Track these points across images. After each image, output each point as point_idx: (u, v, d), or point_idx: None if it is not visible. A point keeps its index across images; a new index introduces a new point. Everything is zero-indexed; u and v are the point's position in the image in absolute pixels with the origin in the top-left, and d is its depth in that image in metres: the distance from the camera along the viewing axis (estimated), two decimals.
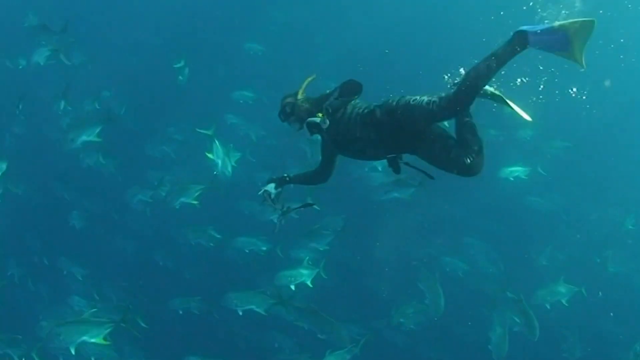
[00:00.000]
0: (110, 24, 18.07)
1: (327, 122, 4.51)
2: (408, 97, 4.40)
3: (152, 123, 15.19)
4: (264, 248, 11.39)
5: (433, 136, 4.40)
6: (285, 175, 5.17)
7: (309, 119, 4.56)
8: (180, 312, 11.17)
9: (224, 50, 17.91)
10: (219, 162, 9.94)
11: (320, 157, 5.05)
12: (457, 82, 4.23)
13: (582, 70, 3.95)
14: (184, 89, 14.61)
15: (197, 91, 15.70)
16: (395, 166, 4.68)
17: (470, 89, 4.10)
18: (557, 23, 3.93)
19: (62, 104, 12.22)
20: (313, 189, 5.86)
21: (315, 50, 17.85)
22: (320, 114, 4.52)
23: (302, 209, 5.30)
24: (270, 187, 5.05)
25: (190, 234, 11.83)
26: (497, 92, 4.41)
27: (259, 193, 5.08)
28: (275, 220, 5.12)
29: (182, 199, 10.90)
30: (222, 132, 11.53)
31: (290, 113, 4.79)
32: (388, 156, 4.64)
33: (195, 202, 10.90)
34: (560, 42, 3.95)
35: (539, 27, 3.98)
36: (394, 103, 4.42)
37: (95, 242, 13.64)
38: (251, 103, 14.40)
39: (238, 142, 11.52)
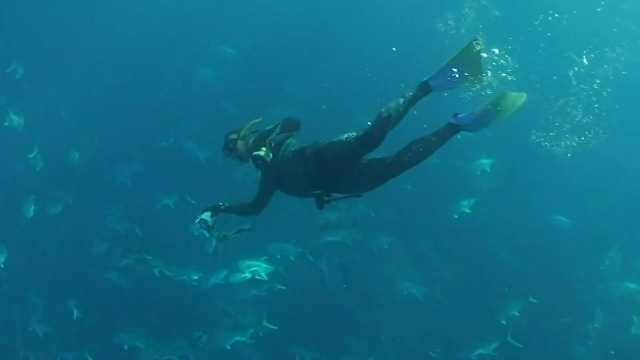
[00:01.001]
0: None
1: (271, 155, 4.88)
2: (330, 137, 4.89)
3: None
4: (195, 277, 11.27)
5: (358, 166, 4.80)
6: (220, 204, 5.41)
7: (254, 152, 4.89)
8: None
9: None
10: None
11: (257, 190, 5.29)
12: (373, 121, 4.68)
13: (485, 78, 4.63)
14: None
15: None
16: (319, 202, 5.02)
17: (382, 122, 4.58)
18: (445, 62, 4.64)
19: None
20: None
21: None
22: (264, 148, 4.87)
23: (237, 234, 5.43)
24: (206, 215, 5.29)
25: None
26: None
27: (196, 222, 5.29)
28: (212, 250, 5.39)
29: None
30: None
31: (233, 149, 5.16)
32: (315, 192, 4.98)
33: None
34: (455, 75, 4.57)
35: (435, 75, 4.68)
36: (322, 144, 4.87)
37: None
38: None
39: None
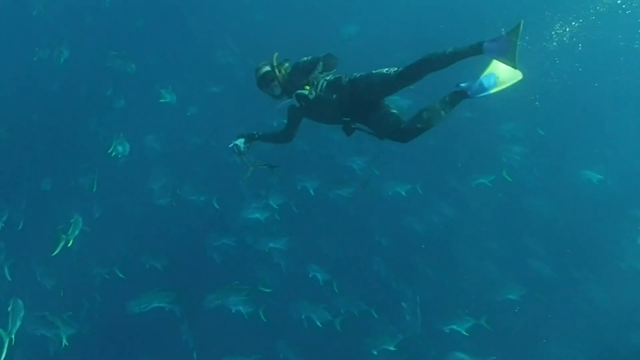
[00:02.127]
0: None
1: (314, 93, 5.10)
2: (371, 70, 5.14)
3: None
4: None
5: (384, 109, 5.15)
6: (255, 132, 5.73)
7: (298, 91, 5.09)
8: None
9: None
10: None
11: (287, 121, 5.65)
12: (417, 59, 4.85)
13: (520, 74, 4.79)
14: None
15: None
16: (348, 130, 5.34)
17: (422, 65, 4.77)
18: (503, 31, 4.54)
19: None
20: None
21: None
22: (307, 87, 5.09)
23: (266, 167, 5.67)
24: (240, 141, 5.61)
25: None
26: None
27: (229, 146, 5.59)
28: (247, 175, 5.53)
29: None
30: None
31: (271, 80, 5.29)
32: (344, 119, 5.29)
33: None
34: (504, 47, 4.50)
35: (491, 38, 4.57)
36: (358, 74, 5.19)
37: None
38: None
39: None
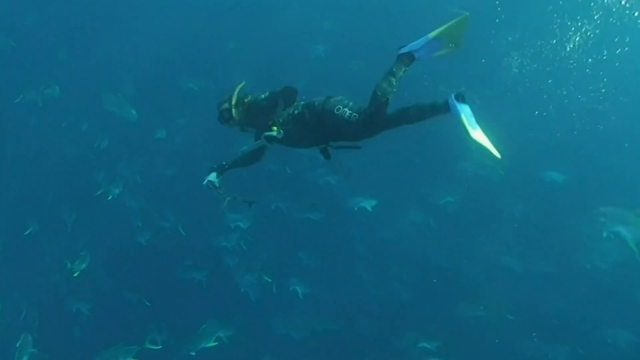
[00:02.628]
0: None
1: (281, 132, 5.05)
2: (332, 103, 5.08)
3: None
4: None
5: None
6: (224, 162, 5.67)
7: (266, 133, 5.03)
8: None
9: None
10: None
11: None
12: (369, 102, 4.86)
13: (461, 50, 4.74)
14: None
15: None
16: (325, 153, 5.32)
17: (380, 105, 4.81)
18: (431, 34, 4.72)
19: None
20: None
21: None
22: (274, 127, 5.03)
23: (243, 201, 5.65)
24: (212, 176, 5.57)
25: None
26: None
27: (203, 184, 5.54)
28: (224, 204, 5.52)
29: None
30: None
31: (229, 118, 5.33)
32: (319, 146, 5.27)
33: None
34: (437, 46, 4.74)
35: (418, 44, 4.80)
36: (320, 106, 5.11)
37: None
38: None
39: None
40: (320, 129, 5.12)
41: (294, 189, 12.65)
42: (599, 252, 11.47)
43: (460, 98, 4.53)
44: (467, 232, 12.92)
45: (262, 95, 5.30)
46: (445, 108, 4.58)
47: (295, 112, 5.18)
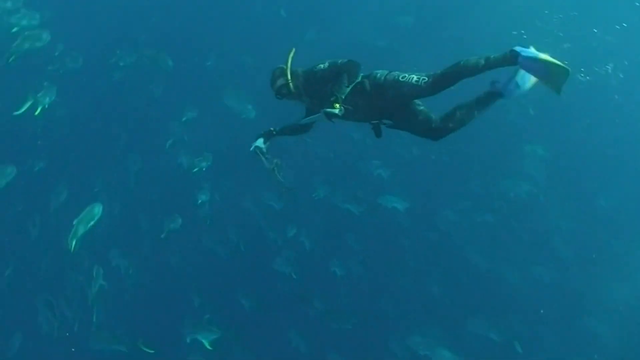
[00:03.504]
0: None
1: (343, 109, 4.79)
2: (396, 73, 4.92)
3: None
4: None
5: (412, 107, 4.96)
6: (272, 128, 5.52)
7: (327, 110, 4.75)
8: None
9: None
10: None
11: (307, 113, 5.41)
12: (445, 68, 4.68)
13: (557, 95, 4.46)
14: None
15: None
16: (377, 131, 5.19)
17: (454, 75, 4.63)
18: (541, 55, 4.41)
19: None
20: None
21: None
22: (337, 105, 4.75)
23: (284, 185, 5.48)
24: (260, 142, 5.42)
25: None
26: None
27: (251, 149, 5.41)
28: (282, 181, 5.36)
29: None
30: None
31: (287, 94, 5.14)
32: (372, 122, 5.12)
33: None
34: (541, 70, 4.44)
35: (528, 53, 4.43)
36: (382, 78, 4.94)
37: None
38: None
39: None
40: (379, 101, 4.96)
41: (342, 176, 12.64)
42: None
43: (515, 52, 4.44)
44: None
45: (322, 65, 5.06)
46: (511, 57, 4.45)
47: (355, 81, 4.96)
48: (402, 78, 4.85)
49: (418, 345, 9.85)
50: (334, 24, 15.32)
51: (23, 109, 9.58)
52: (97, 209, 8.73)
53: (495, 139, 13.54)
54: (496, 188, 12.52)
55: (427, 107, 4.99)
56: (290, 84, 5.11)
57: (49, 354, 10.21)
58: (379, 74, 4.99)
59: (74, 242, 8.36)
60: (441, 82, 4.67)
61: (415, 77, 4.79)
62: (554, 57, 4.37)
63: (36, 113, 9.67)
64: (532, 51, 4.44)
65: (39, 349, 10.09)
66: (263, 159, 5.34)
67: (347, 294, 11.92)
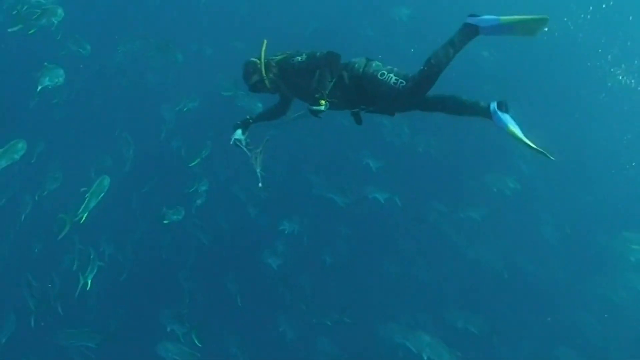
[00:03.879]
0: None
1: (328, 105, 4.67)
2: (375, 68, 4.82)
3: None
4: None
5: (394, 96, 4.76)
6: (248, 117, 5.51)
7: (314, 107, 4.63)
8: None
9: None
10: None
11: (281, 97, 5.45)
12: (420, 69, 4.60)
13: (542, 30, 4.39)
14: None
15: None
16: (357, 118, 5.10)
17: (431, 75, 4.54)
18: (503, 19, 4.38)
19: None
20: None
21: None
22: (322, 102, 4.64)
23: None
24: (238, 134, 5.41)
25: None
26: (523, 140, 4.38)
27: (231, 143, 5.40)
28: (258, 174, 5.32)
29: None
30: None
31: (262, 88, 5.10)
32: (353, 110, 5.03)
33: None
34: (506, 31, 4.44)
35: (486, 22, 4.45)
36: (360, 70, 4.84)
37: None
38: None
39: None
40: (357, 93, 4.86)
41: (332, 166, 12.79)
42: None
43: (503, 107, 4.40)
44: None
45: (299, 58, 4.92)
46: (486, 114, 4.44)
47: (336, 74, 4.83)
48: (381, 76, 4.74)
49: (394, 332, 9.95)
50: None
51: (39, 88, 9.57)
52: (106, 181, 8.70)
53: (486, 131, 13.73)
54: (484, 181, 12.60)
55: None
56: (266, 81, 5.04)
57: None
58: (356, 65, 4.88)
59: (85, 215, 8.29)
60: (422, 85, 4.58)
61: (393, 78, 4.70)
62: (520, 15, 4.36)
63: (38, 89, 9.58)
64: (489, 18, 4.46)
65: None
66: (244, 149, 5.34)
67: (335, 280, 12.09)
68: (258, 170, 5.32)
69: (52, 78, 9.56)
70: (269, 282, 11.78)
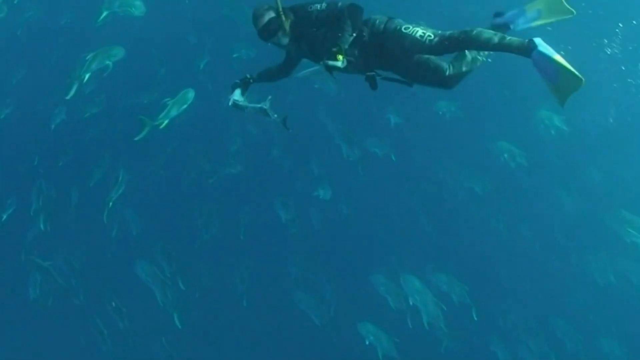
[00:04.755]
0: None
1: (346, 61, 4.36)
2: (398, 22, 4.48)
3: None
4: None
5: (418, 59, 4.46)
6: (248, 75, 5.11)
7: (329, 62, 4.30)
8: None
9: None
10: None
11: (287, 57, 5.06)
12: (452, 33, 4.27)
13: (561, 108, 4.12)
14: None
15: None
16: (372, 83, 4.69)
17: (461, 43, 4.23)
18: (557, 57, 3.93)
19: None
20: None
21: None
22: (340, 56, 4.30)
23: (280, 120, 5.03)
24: (237, 94, 5.01)
25: None
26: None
27: (229, 104, 5.00)
28: (278, 120, 4.94)
29: None
30: None
31: (277, 29, 4.52)
32: (368, 74, 4.65)
33: None
34: (552, 74, 3.96)
35: (546, 50, 3.95)
36: (382, 26, 4.49)
37: None
38: None
39: None
40: (376, 53, 4.51)
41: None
42: None
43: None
44: None
45: (318, 6, 4.45)
46: (526, 48, 4.01)
47: (358, 28, 4.45)
48: (405, 29, 4.39)
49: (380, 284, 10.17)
50: None
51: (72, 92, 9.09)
52: (190, 94, 8.59)
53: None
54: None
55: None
56: (285, 24, 4.51)
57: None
58: (377, 21, 4.53)
59: (166, 122, 8.18)
60: (446, 45, 4.27)
61: (420, 31, 4.35)
62: (569, 62, 3.90)
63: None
64: (549, 48, 3.98)
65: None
66: (246, 110, 4.95)
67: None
68: (275, 116, 4.89)
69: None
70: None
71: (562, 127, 12.18)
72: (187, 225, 11.96)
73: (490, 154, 12.43)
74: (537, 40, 3.98)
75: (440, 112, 12.18)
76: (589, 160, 13.87)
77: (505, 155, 12.11)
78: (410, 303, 9.47)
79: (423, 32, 4.33)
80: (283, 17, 4.47)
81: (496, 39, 4.09)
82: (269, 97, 4.90)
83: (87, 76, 8.65)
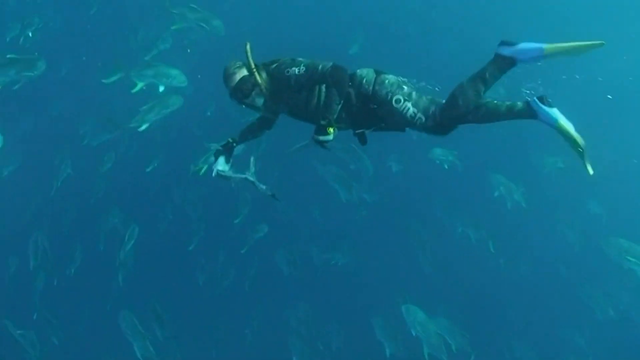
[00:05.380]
0: None
1: (337, 131, 4.12)
2: (388, 88, 4.16)
3: None
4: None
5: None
6: (231, 140, 4.69)
7: (320, 137, 4.05)
8: None
9: None
10: None
11: (264, 114, 4.68)
12: (443, 107, 4.06)
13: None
14: None
15: None
16: (362, 139, 4.45)
17: (457, 117, 4.00)
18: (547, 47, 3.81)
19: None
20: None
21: None
22: (331, 130, 4.05)
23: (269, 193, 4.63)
24: (221, 163, 4.63)
25: None
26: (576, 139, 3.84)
27: (214, 175, 4.63)
28: (265, 190, 4.55)
29: None
30: None
31: (252, 88, 4.23)
32: (356, 132, 4.42)
33: None
34: (551, 58, 3.86)
35: (526, 53, 3.85)
36: (370, 89, 4.17)
37: None
38: None
39: None
40: (366, 115, 4.23)
41: None
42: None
43: (546, 102, 3.82)
44: None
45: (296, 70, 4.10)
46: (529, 112, 3.86)
47: (345, 94, 4.14)
48: (396, 103, 4.11)
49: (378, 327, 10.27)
50: None
51: (112, 79, 9.14)
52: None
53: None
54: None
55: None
56: (257, 75, 4.17)
57: None
58: (364, 80, 4.20)
59: (144, 126, 8.10)
60: (444, 126, 4.10)
61: (411, 110, 4.10)
62: (569, 42, 3.78)
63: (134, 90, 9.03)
64: (529, 47, 3.87)
65: None
66: (232, 179, 4.63)
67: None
68: (259, 186, 4.49)
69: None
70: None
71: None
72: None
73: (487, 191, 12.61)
74: (504, 53, 3.92)
75: (437, 161, 12.02)
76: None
77: (502, 188, 12.19)
78: (413, 334, 9.26)
79: (414, 112, 4.08)
80: (257, 76, 4.17)
81: (479, 84, 3.93)
82: (252, 158, 4.53)
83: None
